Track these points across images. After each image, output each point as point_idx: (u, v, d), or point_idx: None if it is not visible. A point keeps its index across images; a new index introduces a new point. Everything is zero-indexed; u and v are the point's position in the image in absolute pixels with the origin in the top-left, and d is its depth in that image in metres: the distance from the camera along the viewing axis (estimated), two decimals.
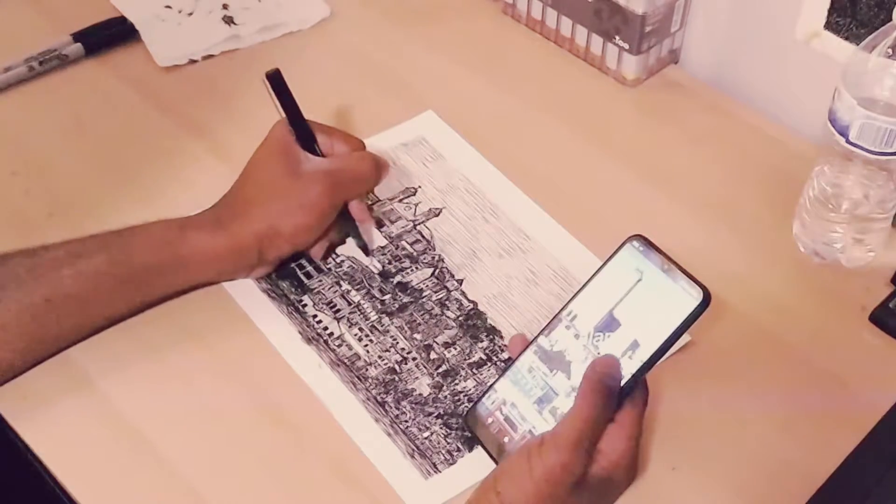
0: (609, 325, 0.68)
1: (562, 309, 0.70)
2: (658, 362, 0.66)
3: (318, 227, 0.80)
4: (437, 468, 0.73)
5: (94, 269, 0.74)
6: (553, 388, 0.68)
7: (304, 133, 0.80)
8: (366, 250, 0.85)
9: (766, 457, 0.74)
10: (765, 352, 0.80)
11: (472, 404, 0.72)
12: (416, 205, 0.90)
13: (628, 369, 0.66)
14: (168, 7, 1.06)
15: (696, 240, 0.87)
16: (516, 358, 0.71)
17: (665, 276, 0.67)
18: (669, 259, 0.67)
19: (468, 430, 0.72)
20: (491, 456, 0.70)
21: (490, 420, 0.70)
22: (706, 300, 0.65)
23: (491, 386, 0.71)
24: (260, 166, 0.80)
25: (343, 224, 0.83)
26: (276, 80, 0.80)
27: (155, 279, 0.77)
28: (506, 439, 0.69)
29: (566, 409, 0.67)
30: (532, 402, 0.69)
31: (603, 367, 0.66)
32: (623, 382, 0.66)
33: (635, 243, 0.69)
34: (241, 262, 0.79)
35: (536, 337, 0.71)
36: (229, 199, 0.80)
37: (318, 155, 0.81)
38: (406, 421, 0.75)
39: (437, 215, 0.89)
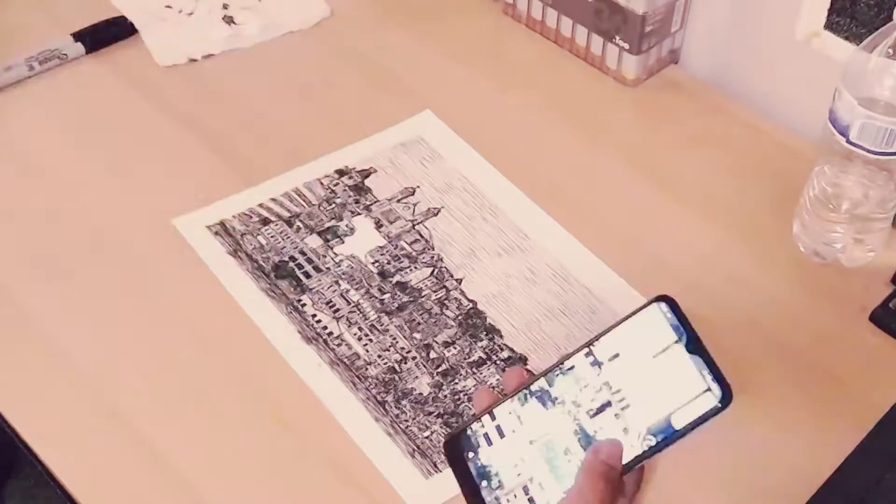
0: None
1: (585, 353, 0.61)
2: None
3: None
4: (437, 467, 0.73)
5: None
6: None
7: None
8: None
9: (766, 457, 0.74)
10: (765, 352, 0.80)
11: (455, 432, 0.62)
12: (415, 204, 0.89)
13: (631, 453, 0.59)
14: (168, 7, 1.06)
15: (695, 240, 0.87)
16: (512, 393, 0.62)
17: (688, 358, 0.59)
18: (697, 338, 0.59)
19: (446, 457, 0.62)
20: (461, 487, 0.61)
21: (471, 455, 0.61)
22: (726, 401, 0.58)
23: (477, 417, 0.62)
24: None
25: None
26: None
27: None
28: (483, 483, 0.60)
29: None
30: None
31: (607, 456, 0.60)
32: (623, 462, 0.60)
33: (663, 306, 0.60)
34: None
35: (538, 377, 0.62)
36: None
37: None
38: (406, 420, 0.75)
39: (435, 215, 0.89)
